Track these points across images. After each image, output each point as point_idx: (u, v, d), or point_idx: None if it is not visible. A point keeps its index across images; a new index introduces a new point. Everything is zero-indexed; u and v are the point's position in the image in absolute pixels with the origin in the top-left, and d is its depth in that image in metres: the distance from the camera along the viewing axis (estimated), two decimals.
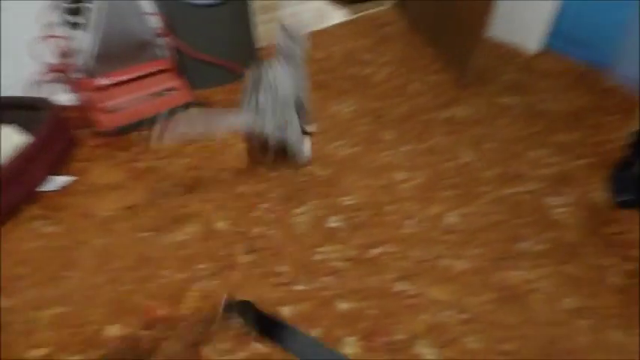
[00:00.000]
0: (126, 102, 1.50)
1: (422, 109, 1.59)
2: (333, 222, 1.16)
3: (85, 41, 1.33)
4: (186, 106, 1.60)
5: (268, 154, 1.23)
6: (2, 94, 1.43)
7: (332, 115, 1.57)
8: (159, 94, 1.56)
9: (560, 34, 1.77)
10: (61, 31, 1.44)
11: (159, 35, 1.51)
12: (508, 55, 1.86)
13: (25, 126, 1.30)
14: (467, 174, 1.30)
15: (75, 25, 1.28)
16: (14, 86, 1.47)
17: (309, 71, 1.72)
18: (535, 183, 1.25)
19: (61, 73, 1.50)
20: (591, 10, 1.64)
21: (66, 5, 1.23)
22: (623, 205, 1.14)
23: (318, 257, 1.06)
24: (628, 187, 1.15)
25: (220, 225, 1.16)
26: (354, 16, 2.25)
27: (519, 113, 1.54)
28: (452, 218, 1.16)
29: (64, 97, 1.58)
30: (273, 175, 1.31)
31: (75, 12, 1.24)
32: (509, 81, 1.70)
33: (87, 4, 1.23)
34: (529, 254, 1.05)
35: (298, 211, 1.19)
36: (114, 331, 0.90)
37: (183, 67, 1.62)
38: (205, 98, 1.66)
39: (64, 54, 1.48)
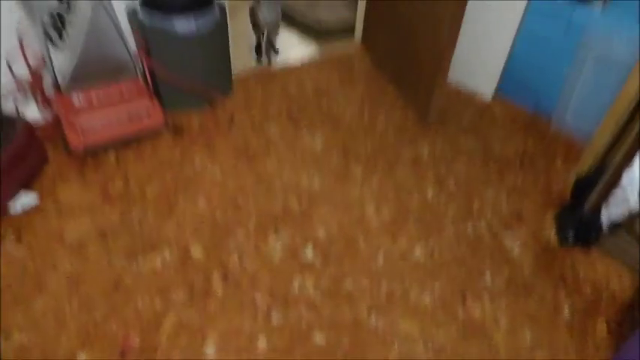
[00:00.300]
0: (99, 122, 1.47)
1: (388, 145, 1.68)
2: (308, 253, 1.20)
3: (62, 58, 1.31)
4: (159, 128, 1.59)
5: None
6: None
7: (304, 147, 1.63)
8: (132, 115, 1.54)
9: (510, 82, 1.96)
10: (38, 45, 1.42)
11: (136, 57, 1.51)
12: (466, 99, 2.02)
13: None
14: (431, 209, 1.39)
15: (53, 41, 1.26)
16: None
17: (283, 104, 1.78)
18: (492, 220, 1.36)
19: (34, 88, 1.46)
20: (535, 62, 1.82)
21: (47, 20, 1.21)
22: (571, 243, 1.27)
23: (293, 288, 1.09)
24: (574, 227, 1.28)
25: (196, 251, 1.16)
26: (323, 54, 2.35)
27: (476, 155, 1.68)
28: (419, 251, 1.23)
29: (36, 112, 1.53)
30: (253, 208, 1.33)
31: (55, 28, 1.23)
32: (467, 123, 1.85)
33: (68, 22, 1.22)
34: (489, 289, 1.14)
35: (273, 240, 1.22)
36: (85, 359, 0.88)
37: (157, 89, 1.62)
38: (179, 122, 1.67)
39: (39, 69, 1.44)
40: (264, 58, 2.20)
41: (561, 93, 1.76)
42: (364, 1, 2.32)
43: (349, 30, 2.51)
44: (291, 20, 2.63)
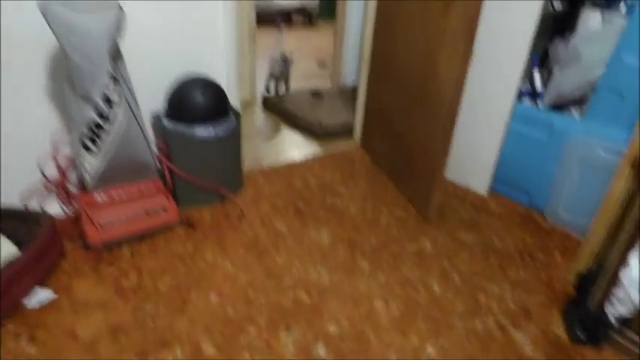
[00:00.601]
0: (117, 218, 1.54)
1: (392, 240, 1.74)
2: (320, 350, 1.19)
3: (91, 161, 1.42)
4: (174, 224, 1.66)
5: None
6: None
7: (311, 242, 1.69)
8: (149, 211, 1.62)
9: (502, 179, 2.08)
10: (70, 149, 1.54)
11: (157, 159, 1.63)
12: (462, 194, 2.13)
13: (18, 236, 1.30)
14: (438, 304, 1.41)
15: (86, 147, 1.37)
16: (10, 195, 1.49)
17: (289, 199, 1.87)
18: (500, 316, 1.38)
19: (59, 186, 1.55)
20: (524, 161, 1.96)
21: (84, 131, 1.33)
22: (580, 341, 1.28)
23: None
24: (581, 324, 1.29)
25: (208, 350, 1.15)
26: (326, 152, 2.52)
27: (476, 249, 1.73)
28: (430, 349, 1.23)
29: (56, 207, 1.60)
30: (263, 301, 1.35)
31: (91, 138, 1.35)
32: (466, 219, 1.93)
33: (103, 131, 1.35)
34: None
35: (285, 337, 1.22)
36: None
37: (174, 187, 1.72)
38: (191, 217, 1.74)
39: (67, 169, 1.55)
40: (272, 93, 3.26)
41: (552, 190, 1.88)
42: (362, 106, 2.55)
43: (349, 132, 2.71)
44: (294, 120, 2.85)
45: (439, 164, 1.74)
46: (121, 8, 1.27)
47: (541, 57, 1.97)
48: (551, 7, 1.84)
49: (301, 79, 4.03)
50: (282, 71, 3.17)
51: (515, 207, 2.05)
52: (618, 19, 1.65)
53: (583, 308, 1.32)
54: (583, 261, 1.52)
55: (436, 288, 1.49)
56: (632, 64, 1.55)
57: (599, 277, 1.29)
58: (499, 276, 1.58)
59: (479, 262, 1.65)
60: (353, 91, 3.16)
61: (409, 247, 1.71)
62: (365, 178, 2.25)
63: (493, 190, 2.14)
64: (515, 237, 1.83)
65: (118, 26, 1.27)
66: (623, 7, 1.68)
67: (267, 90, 3.25)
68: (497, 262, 1.66)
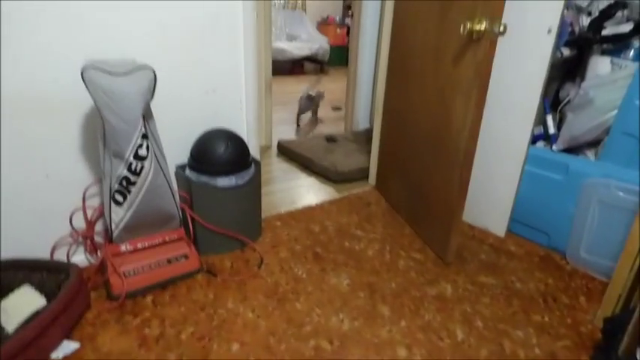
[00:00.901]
0: (141, 268, 1.57)
1: (412, 284, 1.73)
2: None
3: (119, 213, 1.47)
4: (195, 272, 1.69)
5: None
6: (26, 255, 1.49)
7: (331, 287, 1.69)
8: (171, 260, 1.65)
9: (520, 220, 2.08)
10: (99, 203, 1.61)
11: (180, 209, 1.68)
12: (480, 236, 2.13)
13: (46, 288, 1.34)
14: (463, 352, 1.39)
15: (115, 201, 1.43)
16: (39, 246, 1.54)
17: (307, 244, 1.89)
18: None
19: (87, 237, 1.60)
20: (542, 203, 1.96)
21: (115, 186, 1.39)
22: None
23: None
24: None
25: None
26: (341, 195, 2.56)
27: (498, 292, 1.71)
28: None
29: (82, 257, 1.65)
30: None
31: (121, 192, 1.41)
32: (485, 261, 1.92)
33: (132, 185, 1.41)
34: None
35: None
36: None
37: (196, 235, 1.76)
38: (212, 264, 1.76)
39: (94, 221, 1.61)
40: (300, 125, 4.06)
41: (572, 231, 1.86)
42: (377, 151, 2.60)
43: (364, 176, 2.76)
44: (310, 165, 2.91)
45: (457, 209, 1.75)
46: (153, 71, 1.37)
47: (552, 101, 2.01)
48: (559, 53, 1.91)
49: (315, 123, 4.14)
50: (308, 106, 4.07)
51: (535, 248, 2.04)
52: (627, 64, 1.70)
53: (612, 354, 1.28)
54: (609, 305, 1.49)
55: (459, 334, 1.47)
56: None
57: (628, 321, 1.26)
58: (523, 320, 1.55)
59: (501, 306, 1.63)
60: (367, 136, 3.24)
61: (429, 291, 1.70)
62: (382, 220, 2.26)
63: (511, 232, 2.13)
64: (536, 279, 1.80)
65: (151, 88, 1.36)
66: (631, 52, 1.73)
67: (297, 123, 4.07)
68: (520, 306, 1.64)
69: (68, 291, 1.32)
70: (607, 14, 1.81)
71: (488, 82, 1.54)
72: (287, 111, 4.58)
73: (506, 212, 2.08)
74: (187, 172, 1.77)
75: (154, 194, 1.50)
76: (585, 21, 1.88)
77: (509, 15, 1.50)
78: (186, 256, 1.68)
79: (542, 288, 1.75)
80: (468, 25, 1.49)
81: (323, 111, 4.58)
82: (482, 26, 1.48)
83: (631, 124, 1.63)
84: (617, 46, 1.78)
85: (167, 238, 1.67)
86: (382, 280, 1.76)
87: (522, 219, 2.06)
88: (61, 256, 1.62)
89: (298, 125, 4.03)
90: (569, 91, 1.96)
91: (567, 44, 1.93)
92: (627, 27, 1.75)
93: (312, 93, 4.02)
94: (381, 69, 2.44)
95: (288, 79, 6.62)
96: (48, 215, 1.57)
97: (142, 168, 1.41)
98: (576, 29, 1.93)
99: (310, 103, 4.06)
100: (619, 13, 1.79)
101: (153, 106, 1.46)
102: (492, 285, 1.76)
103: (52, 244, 1.59)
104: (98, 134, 1.43)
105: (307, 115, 4.27)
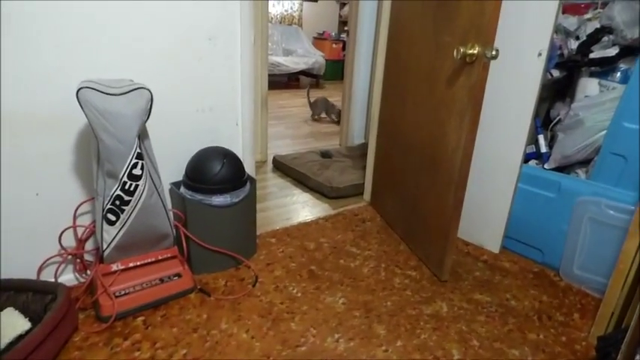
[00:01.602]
0: (132, 288, 1.55)
1: (407, 303, 1.72)
2: None
3: (111, 232, 1.45)
4: (188, 291, 1.66)
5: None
6: (13, 276, 1.46)
7: (326, 306, 1.67)
8: (164, 279, 1.63)
9: (514, 237, 2.08)
10: (91, 221, 1.59)
11: (174, 227, 1.66)
12: (475, 253, 2.13)
13: (32, 310, 1.31)
14: None
15: (108, 220, 1.41)
16: (27, 265, 1.52)
17: (303, 262, 1.88)
18: None
19: (77, 257, 1.58)
20: (535, 220, 1.97)
21: (108, 206, 1.38)
22: None
23: None
24: None
25: None
26: (337, 212, 2.55)
27: (493, 310, 1.70)
28: None
29: (70, 277, 1.62)
30: None
31: (114, 211, 1.39)
32: (480, 278, 1.91)
33: (126, 205, 1.39)
34: None
35: None
36: None
37: (189, 254, 1.74)
38: (206, 283, 1.74)
39: (85, 240, 1.58)
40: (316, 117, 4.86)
41: (565, 248, 1.87)
42: (372, 167, 2.61)
43: (359, 192, 2.76)
44: (304, 181, 2.91)
45: (451, 227, 1.76)
46: (149, 91, 1.36)
47: (544, 120, 2.04)
48: (549, 75, 1.94)
49: (310, 138, 4.16)
50: (322, 107, 4.79)
51: (529, 265, 2.04)
52: (615, 85, 1.73)
53: None
54: (602, 323, 1.49)
55: (455, 353, 1.46)
56: (632, 129, 1.60)
57: (622, 340, 1.25)
58: (519, 339, 1.55)
59: (497, 325, 1.62)
60: (362, 151, 3.25)
61: (425, 309, 1.69)
62: (377, 237, 2.26)
63: (505, 248, 2.14)
64: (531, 297, 1.80)
65: (147, 108, 1.36)
66: (618, 75, 1.77)
67: (314, 118, 4.90)
68: (515, 324, 1.63)
69: (55, 314, 1.29)
70: (594, 38, 1.86)
71: (481, 103, 1.55)
72: (283, 125, 4.60)
73: (501, 229, 2.08)
74: (182, 189, 1.76)
75: (148, 213, 1.48)
76: (574, 44, 1.92)
77: (501, 38, 1.53)
78: (179, 275, 1.66)
79: (536, 305, 1.75)
80: (462, 50, 1.51)
81: (317, 126, 4.60)
82: (475, 50, 1.50)
83: (619, 145, 1.66)
84: (604, 68, 1.82)
85: (160, 257, 1.64)
86: (378, 298, 1.74)
87: (516, 236, 2.07)
88: (49, 275, 1.59)
89: (315, 119, 4.86)
90: (560, 111, 1.99)
91: (557, 66, 1.97)
92: (613, 51, 1.79)
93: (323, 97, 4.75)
94: (376, 87, 2.46)
95: (284, 92, 6.65)
96: (37, 234, 1.54)
97: (135, 187, 1.40)
98: (565, 52, 1.97)
99: (324, 105, 4.71)
100: (605, 38, 1.83)
101: (148, 124, 1.46)
102: (487, 303, 1.75)
103: (40, 263, 1.56)
104: (92, 153, 1.42)
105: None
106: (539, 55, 1.75)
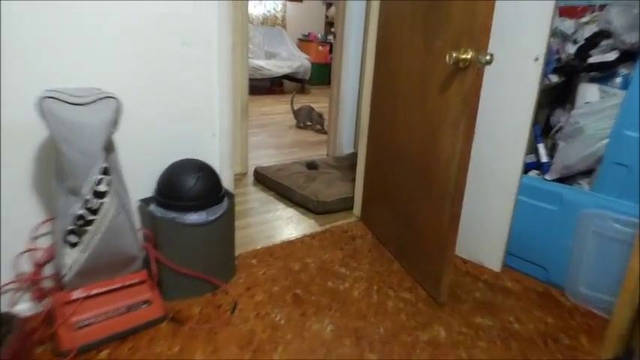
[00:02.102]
0: (95, 318, 1.51)
1: (402, 328, 1.71)
2: None
3: (72, 256, 1.42)
4: (159, 320, 1.63)
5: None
6: None
7: (312, 334, 1.65)
8: (132, 307, 1.59)
9: (516, 254, 2.10)
10: (50, 245, 1.55)
11: (143, 249, 1.63)
12: (475, 272, 2.13)
13: None
14: None
15: (68, 242, 1.38)
16: None
17: (287, 285, 1.86)
18: None
19: (34, 283, 1.54)
20: (537, 235, 1.99)
21: (69, 227, 1.35)
22: None
23: None
24: None
25: None
26: (324, 228, 2.54)
27: (495, 335, 1.70)
28: None
29: (27, 306, 1.58)
30: None
31: (76, 232, 1.37)
32: (480, 300, 1.92)
33: (89, 225, 1.37)
34: None
35: None
36: None
37: (160, 278, 1.71)
38: (178, 311, 1.71)
39: (42, 264, 1.54)
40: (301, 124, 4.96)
41: (570, 265, 1.89)
42: (362, 179, 2.61)
43: (348, 206, 2.76)
44: (289, 195, 2.90)
45: (448, 244, 1.76)
46: (118, 100, 1.35)
47: (544, 128, 2.07)
48: (547, 80, 1.98)
49: (295, 147, 4.16)
50: (307, 116, 4.91)
51: (532, 284, 2.05)
52: (615, 91, 1.77)
53: None
54: (611, 345, 1.50)
55: None
56: (634, 137, 1.64)
57: None
58: None
59: (499, 350, 1.62)
60: (351, 161, 3.26)
61: (421, 335, 1.68)
62: (368, 256, 2.25)
63: (507, 266, 2.15)
64: (535, 319, 1.81)
65: (115, 119, 1.34)
66: (618, 80, 1.81)
67: (298, 126, 5.02)
68: (519, 349, 1.63)
69: (8, 348, 1.25)
70: (592, 43, 1.90)
71: (476, 111, 1.57)
72: (265, 133, 4.59)
73: (501, 245, 2.10)
74: (152, 207, 1.73)
75: (114, 234, 1.45)
76: (571, 48, 1.97)
77: (495, 43, 1.55)
78: (148, 302, 1.62)
79: (541, 328, 1.75)
80: (454, 55, 1.53)
81: (303, 134, 4.61)
82: (468, 55, 1.52)
83: (622, 154, 1.69)
84: (604, 73, 1.86)
85: (127, 282, 1.61)
86: (369, 324, 1.73)
87: (518, 252, 2.08)
88: (3, 305, 1.54)
89: (300, 127, 4.99)
90: (560, 118, 2.02)
91: (555, 71, 2.01)
92: (613, 55, 1.84)
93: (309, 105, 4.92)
94: (365, 92, 2.48)
95: (266, 98, 6.67)
96: None
97: (100, 205, 1.37)
98: (562, 56, 2.01)
99: (308, 114, 4.85)
100: (604, 42, 1.88)
101: (116, 135, 1.44)
102: (489, 327, 1.75)
103: None
104: (53, 168, 1.39)
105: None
106: (536, 59, 1.79)
